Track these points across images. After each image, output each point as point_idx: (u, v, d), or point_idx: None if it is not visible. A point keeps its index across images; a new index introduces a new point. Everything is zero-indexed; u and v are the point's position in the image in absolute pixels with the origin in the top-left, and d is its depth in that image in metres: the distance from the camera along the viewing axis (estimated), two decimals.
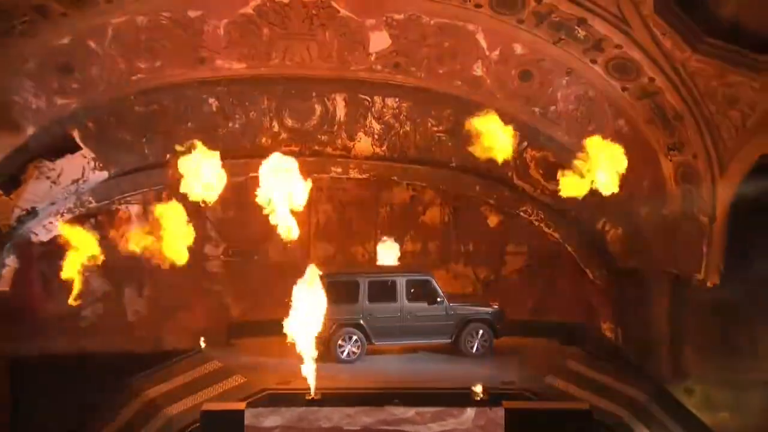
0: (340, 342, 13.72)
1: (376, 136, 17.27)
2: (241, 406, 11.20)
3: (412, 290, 14.24)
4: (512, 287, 18.03)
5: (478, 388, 11.68)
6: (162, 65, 15.60)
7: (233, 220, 17.77)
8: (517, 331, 15.50)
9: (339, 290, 13.64)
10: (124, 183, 16.56)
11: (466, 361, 13.17)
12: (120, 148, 16.29)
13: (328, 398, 11.63)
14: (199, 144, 13.19)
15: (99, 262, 13.91)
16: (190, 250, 14.04)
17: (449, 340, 14.30)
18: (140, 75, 15.61)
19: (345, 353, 13.76)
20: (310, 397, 11.64)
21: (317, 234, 17.97)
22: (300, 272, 13.84)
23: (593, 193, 14.38)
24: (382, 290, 14.16)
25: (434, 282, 14.41)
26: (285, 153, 16.11)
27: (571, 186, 13.61)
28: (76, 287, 13.55)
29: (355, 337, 13.78)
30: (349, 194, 18.13)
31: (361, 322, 13.83)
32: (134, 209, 17.27)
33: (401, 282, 14.17)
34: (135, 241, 13.33)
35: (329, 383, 12.17)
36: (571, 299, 17.99)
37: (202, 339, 15.34)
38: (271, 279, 16.77)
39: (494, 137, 13.57)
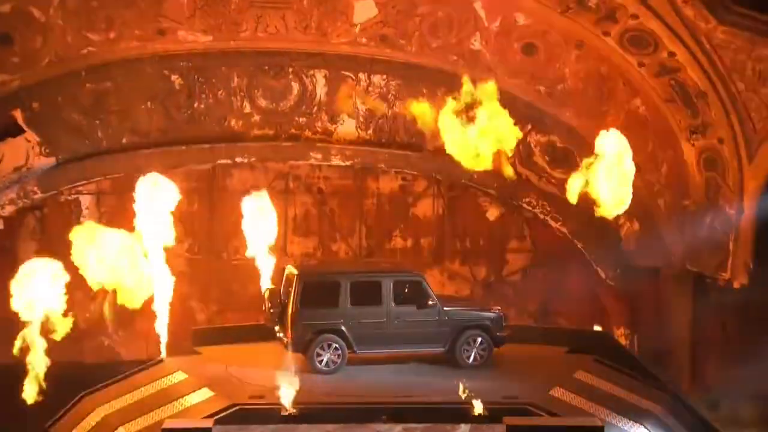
0: (317, 350, 13.49)
1: (361, 119, 17.17)
2: (208, 423, 10.93)
3: (400, 292, 14.06)
4: (514, 289, 17.88)
5: (475, 403, 11.48)
6: (117, 37, 15.45)
7: (199, 213, 17.56)
8: (520, 338, 15.32)
9: (317, 292, 13.44)
10: (73, 171, 16.34)
11: (462, 372, 12.91)
12: (69, 131, 16.09)
13: (306, 414, 11.39)
14: None
15: None
16: None
17: (443, 349, 14.07)
18: (92, 48, 15.44)
19: (323, 362, 13.53)
20: (286, 413, 11.42)
21: (294, 228, 17.81)
22: (275, 272, 13.66)
23: None
24: (366, 292, 13.97)
25: (426, 283, 14.19)
26: (257, 137, 16.05)
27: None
28: None
29: (335, 345, 13.55)
30: (331, 184, 17.98)
31: (342, 327, 13.62)
32: (86, 200, 17.05)
33: (388, 283, 13.97)
34: None
35: (306, 397, 11.92)
36: (580, 302, 17.88)
37: (163, 347, 15.09)
38: (242, 279, 16.57)
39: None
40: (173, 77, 16.18)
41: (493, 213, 18.06)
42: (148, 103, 15.98)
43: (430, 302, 13.86)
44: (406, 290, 14.02)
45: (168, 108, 16.07)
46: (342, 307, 13.64)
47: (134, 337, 16.95)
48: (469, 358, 13.70)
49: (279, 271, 14.05)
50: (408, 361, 14.17)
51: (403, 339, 13.83)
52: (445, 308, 13.81)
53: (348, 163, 17.26)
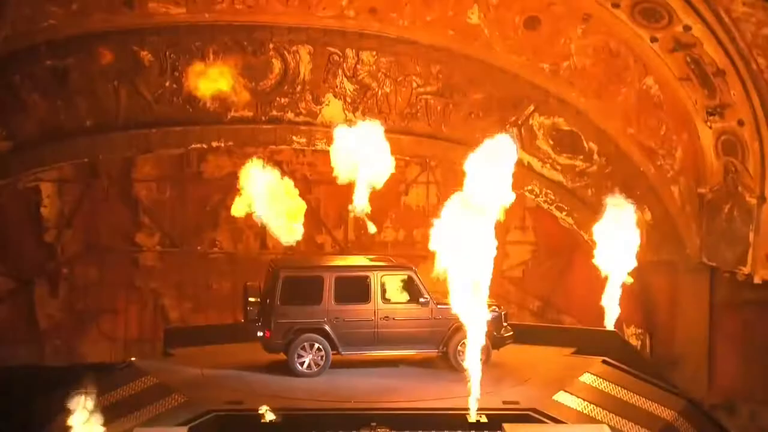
0: (299, 351, 13.32)
1: (348, 99, 17.00)
2: (182, 431, 10.80)
3: (389, 288, 13.87)
4: (515, 284, 17.70)
5: (472, 409, 11.32)
6: (80, 9, 15.21)
7: (171, 202, 17.40)
8: (521, 338, 15.17)
9: (299, 288, 13.26)
10: (32, 156, 16.09)
11: (458, 376, 12.77)
12: (27, 112, 15.84)
13: (288, 421, 11.23)
14: None
15: None
16: (117, 239, 13.72)
17: (436, 351, 13.93)
18: (52, 21, 15.19)
19: (305, 365, 13.35)
20: (267, 420, 11.25)
21: None
22: (254, 265, 13.52)
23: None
24: (352, 288, 13.79)
25: (417, 278, 14.01)
26: (234, 119, 15.83)
27: None
28: None
29: (317, 346, 13.39)
30: (316, 170, 17.80)
31: (325, 327, 13.44)
32: (47, 188, 16.85)
33: (376, 278, 13.79)
34: None
35: (288, 402, 11.78)
36: (587, 299, 17.69)
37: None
38: (219, 274, 16.40)
39: None
40: (142, 53, 16.00)
41: None
42: (115, 82, 15.76)
43: (422, 299, 13.68)
44: (396, 286, 13.87)
45: (137, 87, 15.83)
46: (325, 304, 13.46)
47: (99, 338, 16.87)
48: (465, 360, 13.53)
49: (261, 266, 14.01)
50: (398, 364, 14.03)
51: (392, 339, 13.64)
52: (438, 306, 13.63)
53: None
